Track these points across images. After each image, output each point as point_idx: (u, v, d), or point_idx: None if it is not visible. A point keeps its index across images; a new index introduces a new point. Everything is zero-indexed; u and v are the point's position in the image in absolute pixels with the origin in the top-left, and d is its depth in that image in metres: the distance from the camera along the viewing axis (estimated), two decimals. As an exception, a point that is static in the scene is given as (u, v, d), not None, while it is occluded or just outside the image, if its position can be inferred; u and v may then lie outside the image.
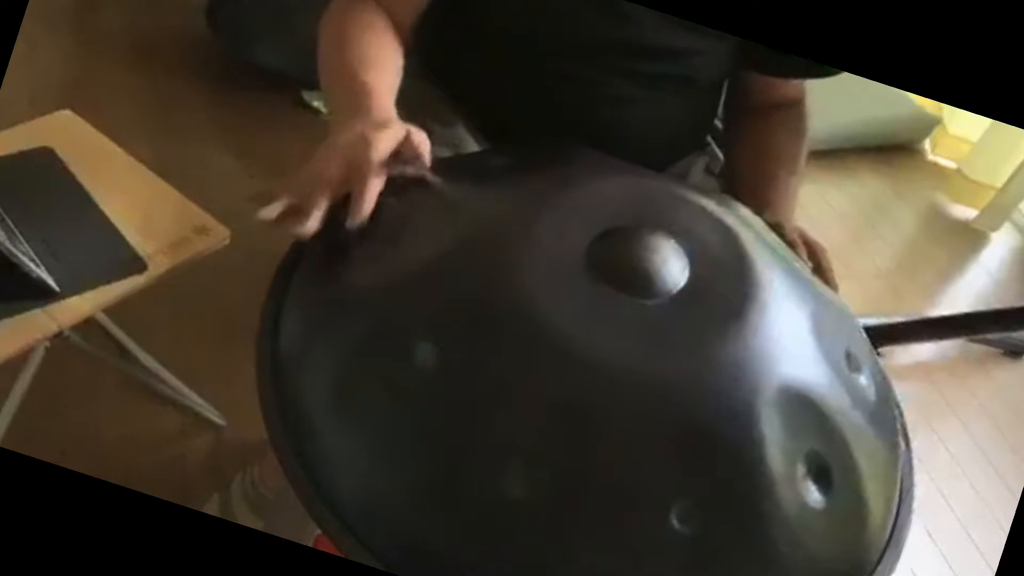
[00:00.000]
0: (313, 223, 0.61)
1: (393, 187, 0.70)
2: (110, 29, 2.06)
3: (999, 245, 2.41)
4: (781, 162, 0.88)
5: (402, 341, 0.55)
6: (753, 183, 0.87)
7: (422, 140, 0.66)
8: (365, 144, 0.62)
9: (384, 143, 0.63)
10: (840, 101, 2.04)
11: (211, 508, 1.18)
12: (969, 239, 2.36)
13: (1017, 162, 2.29)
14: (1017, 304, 1.96)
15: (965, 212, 2.41)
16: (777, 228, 0.75)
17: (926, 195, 2.46)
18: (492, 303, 0.56)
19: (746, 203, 0.74)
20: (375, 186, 0.62)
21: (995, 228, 2.38)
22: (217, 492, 1.19)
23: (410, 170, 0.65)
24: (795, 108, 0.92)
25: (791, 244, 0.76)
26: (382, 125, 0.65)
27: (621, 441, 0.52)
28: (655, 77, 0.84)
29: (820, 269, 0.77)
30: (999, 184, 2.34)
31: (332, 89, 0.76)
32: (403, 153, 0.65)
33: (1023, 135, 2.20)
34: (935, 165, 2.54)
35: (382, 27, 0.80)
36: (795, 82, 0.91)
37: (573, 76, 0.82)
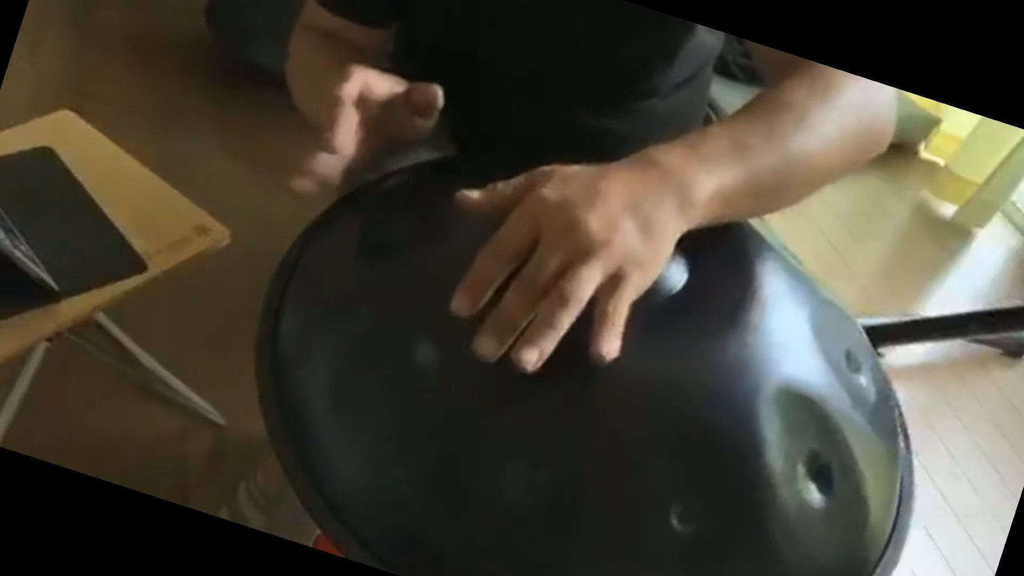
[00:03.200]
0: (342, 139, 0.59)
1: (392, 188, 0.70)
2: (110, 29, 2.06)
3: (998, 242, 2.41)
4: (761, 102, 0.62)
5: (402, 341, 0.55)
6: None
7: (432, 88, 0.64)
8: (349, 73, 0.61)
9: (367, 73, 0.61)
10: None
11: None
12: (957, 236, 2.37)
13: (999, 158, 2.30)
14: (1014, 303, 1.96)
15: (953, 209, 2.42)
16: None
17: (917, 193, 2.47)
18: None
19: None
20: (348, 106, 0.60)
21: (980, 224, 2.39)
22: (225, 504, 1.19)
23: (420, 122, 0.65)
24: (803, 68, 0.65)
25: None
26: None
27: (621, 441, 0.52)
28: (612, 96, 0.83)
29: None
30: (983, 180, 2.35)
31: (315, 106, 0.74)
32: (413, 100, 0.64)
33: (1009, 132, 2.21)
34: (927, 162, 2.55)
35: (349, 56, 0.80)
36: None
37: (525, 103, 0.81)
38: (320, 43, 0.82)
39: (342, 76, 0.61)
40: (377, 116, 0.63)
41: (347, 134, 0.60)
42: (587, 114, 0.84)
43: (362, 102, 0.62)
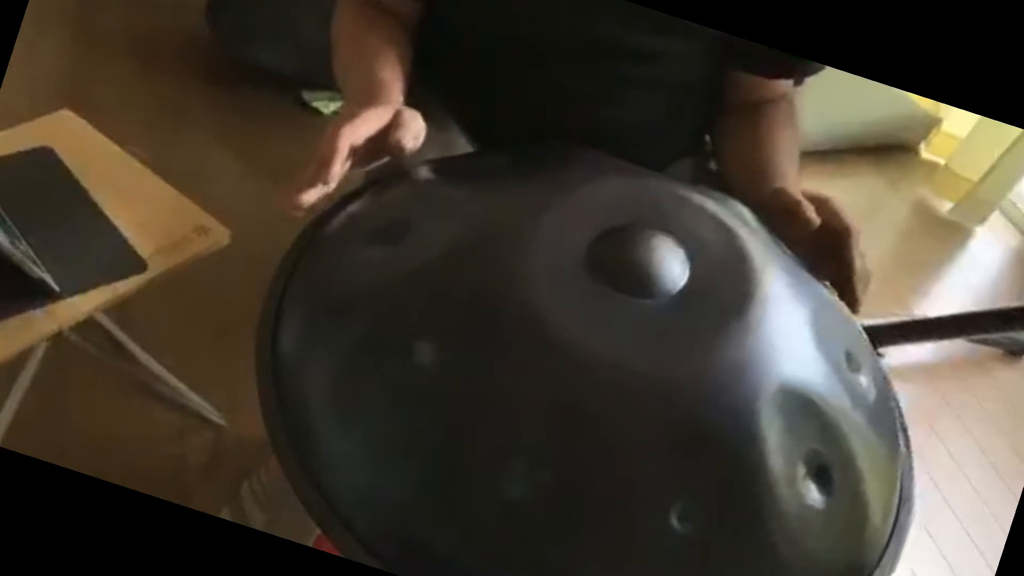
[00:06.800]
0: (309, 196, 0.63)
1: (392, 187, 0.70)
2: (110, 29, 2.06)
3: (999, 241, 2.41)
4: (777, 150, 0.85)
5: (402, 341, 0.55)
6: (751, 175, 0.84)
7: (411, 117, 0.69)
8: (343, 118, 0.66)
9: (359, 117, 0.66)
10: (840, 101, 2.04)
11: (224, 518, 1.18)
12: (957, 234, 2.38)
13: (997, 156, 2.30)
14: (1014, 303, 1.96)
15: (950, 207, 2.43)
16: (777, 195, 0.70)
17: (917, 192, 2.47)
18: (492, 303, 0.56)
19: (747, 198, 0.73)
20: (337, 152, 0.64)
21: (978, 222, 2.39)
22: (227, 503, 1.19)
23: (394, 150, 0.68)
24: (784, 102, 0.90)
25: (788, 207, 0.68)
26: (366, 104, 0.69)
27: (621, 441, 0.52)
28: (618, 79, 0.84)
29: (840, 248, 0.69)
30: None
31: (344, 85, 0.80)
32: (395, 133, 0.67)
33: (1007, 130, 2.22)
34: (927, 162, 2.56)
35: (388, 23, 0.83)
36: (783, 81, 0.89)
37: (544, 79, 0.83)
38: (359, 12, 0.86)
39: (350, 115, 0.66)
40: (366, 145, 0.67)
41: (337, 174, 0.64)
42: (601, 96, 0.85)
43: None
